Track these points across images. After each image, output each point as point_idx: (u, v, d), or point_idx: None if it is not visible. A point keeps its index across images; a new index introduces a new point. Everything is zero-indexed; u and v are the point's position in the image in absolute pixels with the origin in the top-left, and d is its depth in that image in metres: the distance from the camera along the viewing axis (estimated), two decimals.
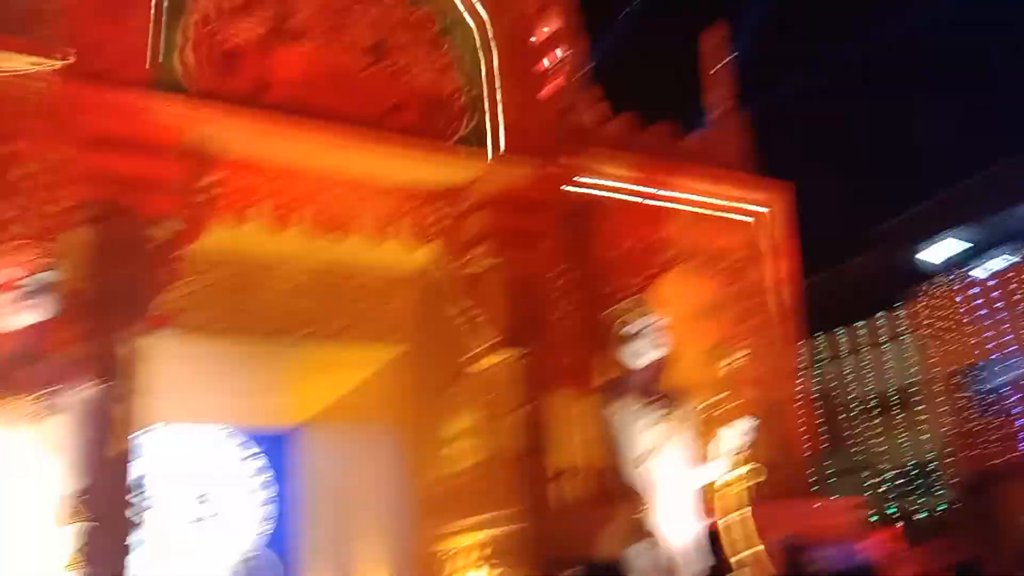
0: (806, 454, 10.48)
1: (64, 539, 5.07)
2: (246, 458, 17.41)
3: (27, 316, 5.54)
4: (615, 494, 7.81)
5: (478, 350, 8.64)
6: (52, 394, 5.40)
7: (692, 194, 10.30)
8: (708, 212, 10.42)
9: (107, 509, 6.34)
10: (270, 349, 11.19)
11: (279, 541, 17.13)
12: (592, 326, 8.91)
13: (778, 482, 9.82)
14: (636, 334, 7.85)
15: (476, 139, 8.80)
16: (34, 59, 7.06)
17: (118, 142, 7.38)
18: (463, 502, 9.22)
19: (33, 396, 5.35)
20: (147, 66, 7.80)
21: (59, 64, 7.13)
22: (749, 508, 7.84)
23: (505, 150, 8.84)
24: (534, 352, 8.47)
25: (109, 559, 6.09)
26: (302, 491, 16.79)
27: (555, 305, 9.14)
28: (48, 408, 5.36)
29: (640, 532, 6.92)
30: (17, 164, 7.10)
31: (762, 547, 7.58)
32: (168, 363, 11.25)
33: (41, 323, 5.69)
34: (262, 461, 17.46)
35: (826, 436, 20.73)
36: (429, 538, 9.98)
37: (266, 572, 16.89)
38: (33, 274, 5.62)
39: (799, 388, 10.65)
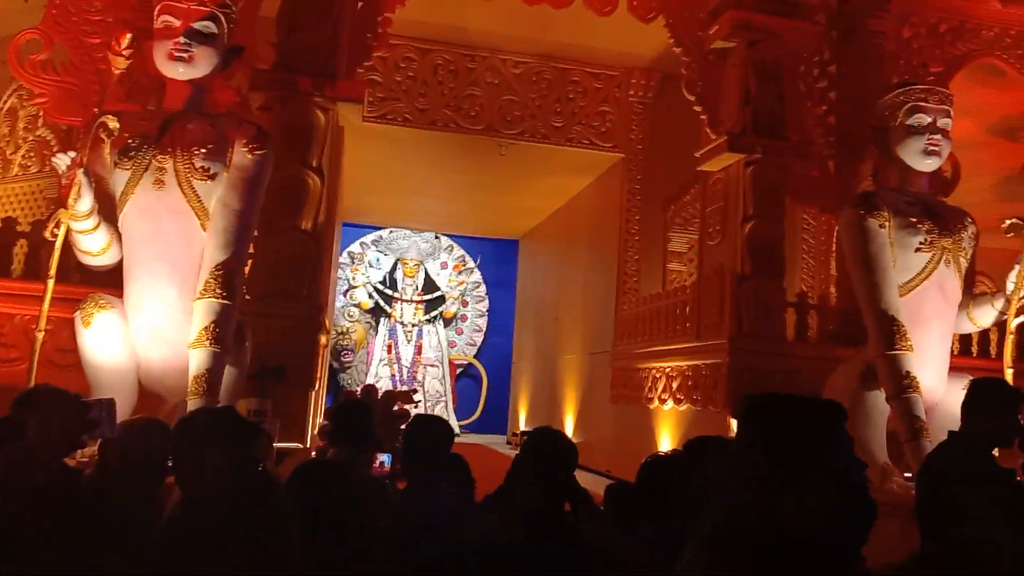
0: None
1: (199, 314, 4.63)
2: (462, 270, 17.51)
3: (189, 68, 4.98)
4: (861, 327, 6.33)
5: (709, 148, 7.20)
6: (211, 153, 4.86)
7: None
8: None
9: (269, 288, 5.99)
10: (483, 152, 10.45)
11: (489, 349, 17.40)
12: (852, 124, 7.15)
13: None
14: (919, 130, 6.03)
15: None
16: None
17: None
18: (671, 324, 8.20)
19: (192, 154, 4.83)
20: None
21: None
22: None
23: None
24: (775, 153, 6.91)
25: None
26: (514, 302, 16.69)
27: (807, 97, 7.39)
28: (208, 168, 4.84)
29: (891, 374, 5.53)
30: None
31: None
32: (379, 155, 11.01)
33: (204, 78, 5.13)
34: (476, 272, 17.49)
35: None
36: (630, 357, 9.16)
37: (473, 381, 17.33)
38: (197, 21, 5.00)
39: None
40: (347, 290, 16.97)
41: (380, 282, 17.14)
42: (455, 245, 17.49)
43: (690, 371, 7.56)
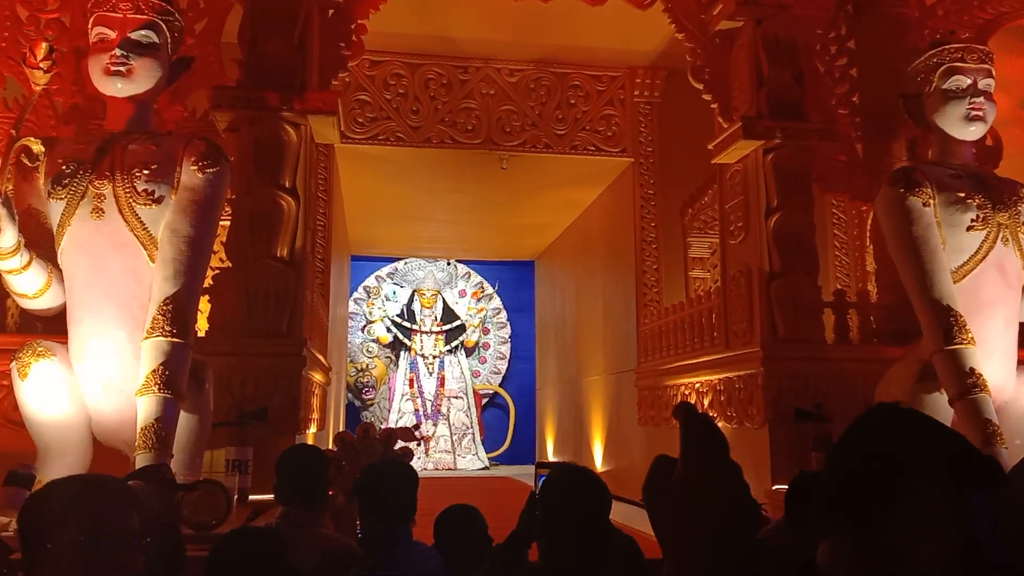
0: None
1: (146, 356, 4.06)
2: (480, 296, 16.92)
3: (128, 82, 4.46)
4: (909, 322, 5.61)
5: (723, 137, 6.55)
6: (155, 174, 4.32)
7: None
8: None
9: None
10: (484, 167, 9.89)
11: (515, 377, 16.74)
12: (878, 101, 6.50)
13: None
14: (958, 94, 5.33)
15: None
16: None
17: None
18: (697, 335, 7.50)
19: (134, 177, 4.29)
20: None
21: None
22: None
23: None
24: (796, 136, 6.24)
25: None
26: (534, 326, 16.06)
27: (827, 77, 6.76)
28: (152, 191, 4.30)
29: (952, 372, 4.79)
30: None
31: None
32: (377, 180, 10.48)
33: (148, 93, 4.60)
34: (496, 298, 16.90)
35: None
36: (656, 374, 8.45)
37: (501, 410, 16.64)
38: (135, 31, 4.49)
39: None
40: (365, 325, 16.48)
41: (398, 315, 16.60)
42: (472, 272, 16.93)
43: (722, 385, 6.85)
